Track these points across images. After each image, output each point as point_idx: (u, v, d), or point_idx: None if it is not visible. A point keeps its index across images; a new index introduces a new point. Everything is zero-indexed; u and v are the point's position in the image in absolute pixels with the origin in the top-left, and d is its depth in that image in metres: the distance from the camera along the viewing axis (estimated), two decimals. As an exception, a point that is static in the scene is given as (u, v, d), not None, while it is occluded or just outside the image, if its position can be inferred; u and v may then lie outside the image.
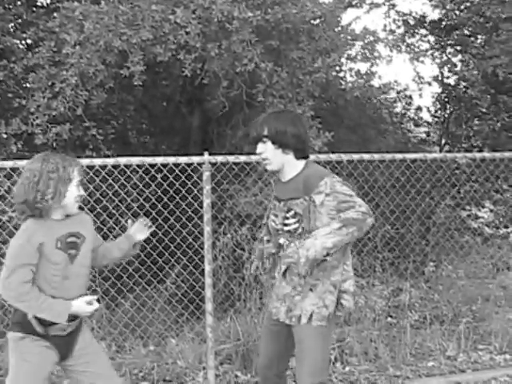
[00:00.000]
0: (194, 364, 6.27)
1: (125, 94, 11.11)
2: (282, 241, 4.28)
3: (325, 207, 4.08)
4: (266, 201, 7.34)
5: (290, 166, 4.31)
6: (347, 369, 6.54)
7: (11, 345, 4.00)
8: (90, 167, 6.60)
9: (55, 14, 8.67)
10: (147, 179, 7.28)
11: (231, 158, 6.28)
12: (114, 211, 7.42)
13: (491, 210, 12.52)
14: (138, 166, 6.66)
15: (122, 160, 6.17)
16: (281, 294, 4.36)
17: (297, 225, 4.21)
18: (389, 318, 7.56)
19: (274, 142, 4.25)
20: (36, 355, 3.95)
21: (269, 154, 4.29)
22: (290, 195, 4.26)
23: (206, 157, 5.98)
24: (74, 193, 4.02)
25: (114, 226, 7.44)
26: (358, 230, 4.05)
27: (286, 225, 4.28)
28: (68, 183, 3.98)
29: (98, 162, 6.24)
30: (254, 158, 6.57)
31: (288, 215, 4.26)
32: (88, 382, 4.16)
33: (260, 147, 4.31)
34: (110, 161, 6.26)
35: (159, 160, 6.23)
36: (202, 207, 5.95)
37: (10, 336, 3.98)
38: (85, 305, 3.99)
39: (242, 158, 6.44)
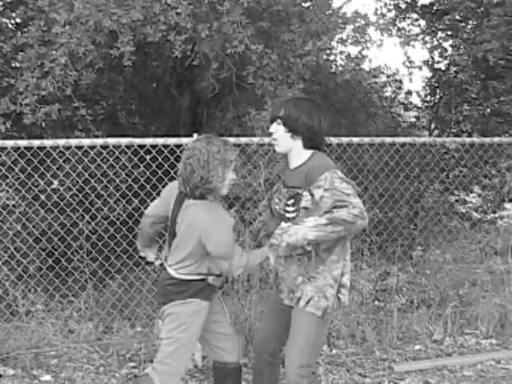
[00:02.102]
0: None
1: (114, 74, 11.08)
2: (284, 225, 4.25)
3: (323, 202, 4.11)
4: (255, 183, 7.33)
5: (296, 152, 4.35)
6: (334, 351, 6.58)
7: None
8: (79, 147, 6.59)
9: (45, -7, 8.60)
10: (136, 160, 7.27)
11: (220, 140, 6.26)
12: (102, 192, 7.41)
13: (479, 195, 12.55)
14: (127, 146, 6.67)
15: (111, 141, 6.17)
16: (285, 274, 4.43)
17: (294, 214, 4.25)
18: (376, 302, 7.59)
19: (285, 125, 4.28)
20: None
21: (279, 135, 4.33)
22: (294, 183, 4.31)
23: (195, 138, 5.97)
24: (230, 176, 4.27)
25: (102, 207, 7.44)
26: (345, 231, 4.06)
27: (286, 211, 4.33)
28: (228, 166, 4.22)
29: (86, 142, 6.23)
30: (243, 140, 6.58)
31: (289, 203, 4.30)
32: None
33: (273, 127, 4.36)
34: (99, 141, 6.26)
35: (148, 141, 6.23)
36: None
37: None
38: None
39: (232, 140, 6.42)
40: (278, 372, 4.85)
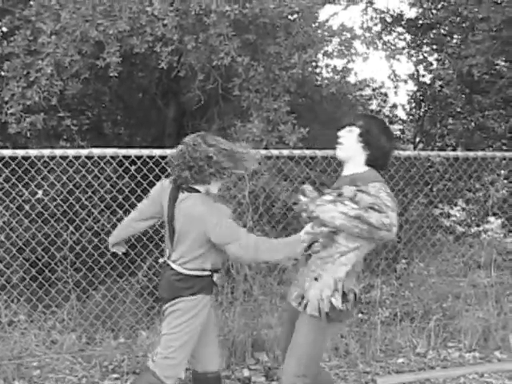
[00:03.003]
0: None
1: (100, 84, 11.05)
2: (326, 198, 4.34)
3: (362, 202, 4.15)
4: (240, 195, 7.33)
5: (355, 163, 4.42)
6: (317, 364, 6.56)
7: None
8: (64, 157, 6.59)
9: (31, 3, 8.57)
10: (121, 171, 7.26)
11: (205, 152, 6.26)
12: (86, 202, 7.39)
13: (463, 209, 12.58)
14: (111, 157, 6.66)
15: (96, 151, 6.17)
16: (298, 278, 4.51)
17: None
18: (360, 314, 7.61)
19: (361, 136, 4.35)
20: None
21: (348, 141, 4.39)
22: (338, 185, 4.41)
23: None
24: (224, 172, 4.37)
25: (87, 217, 7.42)
26: (368, 233, 4.12)
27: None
28: (222, 161, 4.29)
29: (71, 152, 6.23)
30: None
31: (328, 198, 4.31)
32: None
33: (343, 132, 4.42)
34: (84, 152, 6.25)
35: (133, 152, 6.23)
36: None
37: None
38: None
39: (217, 152, 6.43)
40: (328, 376, 4.86)
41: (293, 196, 4.70)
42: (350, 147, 4.38)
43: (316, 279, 4.33)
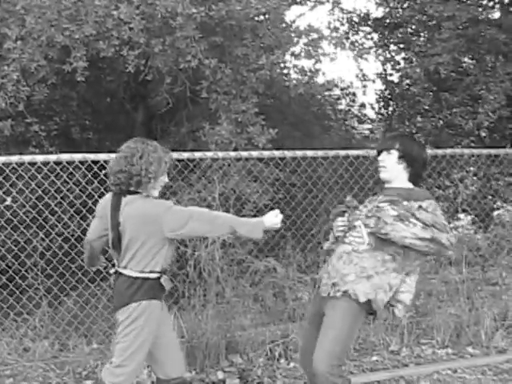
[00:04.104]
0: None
1: (67, 89, 11.00)
2: (357, 223, 4.50)
3: (420, 220, 4.31)
4: (210, 197, 7.32)
5: (399, 180, 4.64)
6: (292, 365, 6.58)
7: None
8: (32, 164, 6.53)
9: (-4, 8, 8.54)
10: (90, 176, 7.22)
11: (174, 155, 6.25)
12: (56, 208, 7.35)
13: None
14: (80, 162, 6.62)
15: (65, 156, 6.14)
16: (334, 271, 4.51)
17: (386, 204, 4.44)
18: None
19: (401, 157, 4.59)
20: None
21: (389, 164, 4.63)
22: (391, 194, 4.56)
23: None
24: (163, 178, 4.39)
25: (57, 223, 7.37)
26: (436, 251, 4.38)
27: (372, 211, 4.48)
28: (162, 166, 4.34)
29: (40, 158, 6.19)
30: (197, 154, 6.58)
31: (382, 204, 4.46)
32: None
33: (382, 156, 4.66)
34: (53, 157, 6.22)
35: (102, 157, 6.20)
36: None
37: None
38: (273, 217, 4.39)
39: (186, 155, 6.44)
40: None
41: (334, 211, 4.75)
42: (392, 169, 4.61)
43: (365, 277, 4.37)
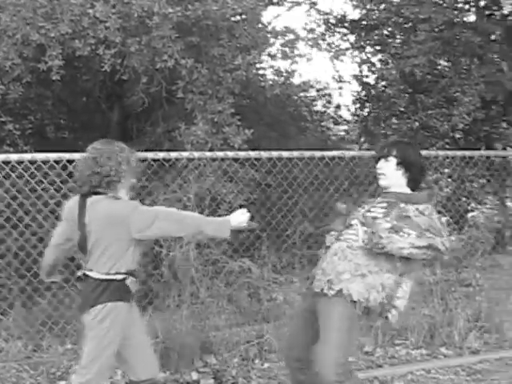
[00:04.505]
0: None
1: (42, 88, 10.93)
2: (353, 221, 4.55)
3: (418, 220, 4.38)
4: (185, 198, 7.31)
5: (397, 185, 4.67)
6: (266, 365, 6.57)
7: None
8: (6, 163, 6.49)
9: (-30, 6, 8.48)
10: (65, 175, 7.18)
11: (150, 155, 6.27)
12: (30, 208, 7.30)
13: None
14: (55, 161, 6.58)
15: (40, 156, 6.11)
16: (329, 268, 4.49)
17: (381, 215, 4.46)
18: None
19: (399, 163, 4.63)
20: None
21: (388, 171, 4.66)
22: (389, 195, 4.61)
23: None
24: (131, 178, 4.40)
25: (31, 223, 7.33)
26: (433, 257, 4.50)
27: (369, 211, 4.56)
28: (130, 167, 4.34)
29: (14, 157, 6.16)
30: (173, 154, 6.57)
31: (380, 206, 4.55)
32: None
33: (380, 164, 4.69)
34: (27, 156, 6.19)
35: (77, 156, 6.14)
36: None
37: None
38: (240, 216, 4.38)
39: (161, 155, 6.43)
40: (316, 377, 4.81)
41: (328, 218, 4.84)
42: (391, 176, 4.65)
43: (359, 277, 4.38)
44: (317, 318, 4.54)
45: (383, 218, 4.41)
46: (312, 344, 4.71)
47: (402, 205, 4.45)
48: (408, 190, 4.66)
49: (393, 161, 4.63)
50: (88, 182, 4.26)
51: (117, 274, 4.27)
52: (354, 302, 4.34)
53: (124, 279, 4.30)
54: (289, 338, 4.92)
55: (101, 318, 4.25)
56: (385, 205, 4.52)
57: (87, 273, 4.34)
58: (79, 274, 4.48)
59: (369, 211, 4.56)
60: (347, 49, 15.23)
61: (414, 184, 4.68)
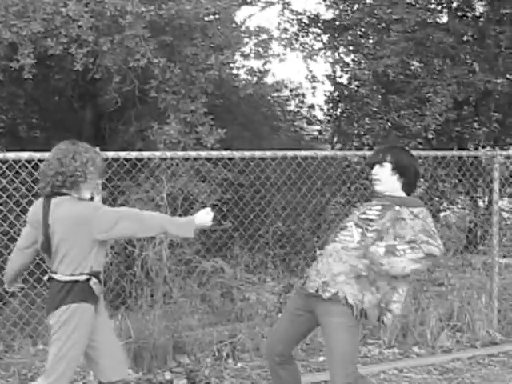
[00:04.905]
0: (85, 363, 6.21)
1: (14, 87, 10.86)
2: (348, 224, 4.64)
3: (412, 224, 4.47)
4: (158, 197, 7.29)
5: (393, 190, 4.73)
6: (239, 365, 6.58)
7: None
8: (-23, 162, 6.44)
9: None
10: (37, 175, 7.14)
11: (122, 154, 6.24)
12: (1, 207, 7.26)
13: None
14: (27, 161, 6.54)
15: (11, 155, 6.07)
16: (324, 269, 4.50)
17: (376, 217, 4.54)
18: (280, 314, 7.62)
19: (394, 168, 4.70)
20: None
21: (383, 176, 4.72)
22: (385, 199, 4.66)
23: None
24: (95, 178, 4.37)
25: (2, 222, 7.28)
26: (433, 264, 4.69)
27: (368, 214, 4.64)
28: (94, 168, 4.30)
29: (-16, 156, 6.10)
30: (145, 154, 6.54)
31: (375, 208, 4.62)
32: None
33: (375, 170, 4.75)
34: (-2, 155, 6.14)
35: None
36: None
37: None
38: (204, 215, 4.43)
39: (134, 154, 6.41)
40: (296, 374, 4.91)
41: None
42: (387, 181, 4.71)
43: (354, 278, 4.39)
44: (308, 317, 4.62)
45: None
46: (297, 342, 4.91)
47: (397, 207, 4.52)
48: (403, 194, 4.72)
49: (388, 166, 4.70)
50: (51, 183, 4.23)
51: (81, 274, 4.25)
52: (351, 305, 4.36)
53: (88, 280, 4.28)
54: (275, 332, 4.92)
55: (65, 319, 4.23)
56: (379, 207, 4.58)
57: (52, 275, 4.32)
58: (45, 278, 4.45)
59: (364, 213, 4.63)
60: (320, 49, 15.26)
61: (409, 188, 4.76)
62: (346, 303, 4.34)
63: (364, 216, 4.59)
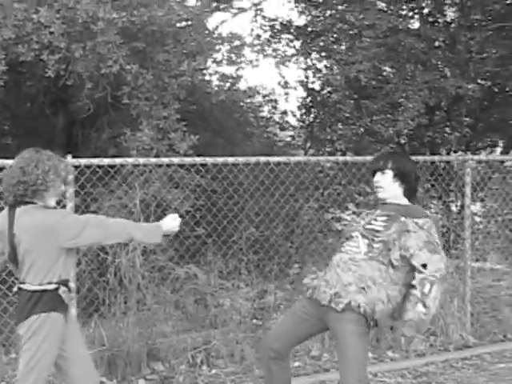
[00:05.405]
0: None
1: (-15, 94, 10.81)
2: (354, 233, 4.66)
3: (416, 237, 4.47)
4: (131, 204, 7.27)
5: (395, 196, 4.76)
6: (213, 371, 6.58)
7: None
8: None
9: None
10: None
11: (95, 161, 6.22)
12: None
13: (354, 212, 12.76)
14: (-2, 168, 6.49)
15: (-19, 162, 6.02)
16: (333, 280, 4.51)
17: (382, 228, 4.55)
18: (254, 320, 7.63)
19: (395, 175, 4.74)
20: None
21: (385, 184, 4.76)
22: (389, 210, 4.67)
23: (69, 159, 5.91)
24: (59, 186, 4.31)
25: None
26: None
27: (370, 224, 4.66)
28: (58, 175, 4.26)
29: (-45, 164, 6.05)
30: (117, 160, 6.53)
31: (381, 219, 4.61)
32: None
33: (377, 177, 4.79)
34: (-31, 163, 6.09)
35: (20, 163, 6.09)
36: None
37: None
38: (172, 220, 4.43)
39: (106, 161, 6.39)
40: (287, 372, 4.91)
41: None
42: (389, 188, 4.75)
43: (364, 288, 4.41)
44: (314, 323, 4.67)
45: (385, 232, 4.51)
46: (296, 344, 4.96)
47: (403, 219, 4.52)
48: (405, 201, 4.75)
49: (389, 173, 4.74)
50: (13, 192, 4.20)
51: (49, 283, 4.22)
52: (363, 314, 4.39)
53: (57, 289, 4.25)
54: (276, 330, 4.95)
55: (35, 329, 4.19)
56: (385, 218, 4.59)
57: (20, 286, 4.29)
58: (15, 289, 4.42)
59: (369, 223, 4.64)
60: (293, 55, 15.27)
61: (410, 193, 4.80)
62: (358, 312, 4.37)
63: (370, 226, 4.61)
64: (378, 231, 4.53)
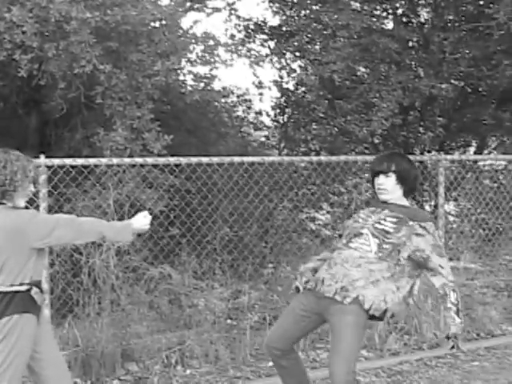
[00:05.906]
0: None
1: (-43, 94, 10.74)
2: (363, 230, 4.71)
3: (424, 241, 4.63)
4: (105, 204, 7.25)
5: (398, 200, 4.87)
6: (188, 372, 6.57)
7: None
8: None
9: None
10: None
11: (68, 161, 6.20)
12: None
13: (328, 212, 12.80)
14: (-29, 168, 6.45)
15: (-47, 163, 5.96)
16: (340, 274, 4.56)
17: (392, 230, 4.65)
18: (229, 320, 7.63)
19: (398, 178, 4.82)
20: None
21: (389, 186, 4.84)
22: (396, 211, 4.76)
23: (42, 160, 5.89)
24: (28, 186, 4.27)
25: None
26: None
27: (379, 223, 4.72)
28: (27, 175, 4.23)
29: None
30: (91, 160, 6.51)
31: (391, 220, 4.71)
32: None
33: (381, 179, 4.85)
34: None
35: (-8, 163, 6.06)
36: (38, 211, 5.81)
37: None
38: (142, 218, 4.47)
39: (80, 161, 6.37)
40: (299, 363, 5.02)
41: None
42: (393, 190, 4.84)
43: (372, 283, 4.50)
44: (313, 319, 4.76)
45: (395, 234, 4.60)
46: (298, 340, 5.09)
47: (411, 223, 4.63)
48: (405, 201, 4.87)
49: (393, 176, 4.81)
50: None
51: (21, 285, 4.19)
52: (368, 309, 4.47)
53: (29, 290, 4.22)
54: (276, 330, 4.94)
55: (7, 330, 4.15)
56: (395, 220, 4.67)
57: None
58: None
59: (379, 223, 4.71)
60: (267, 55, 15.26)
61: (410, 193, 4.93)
62: (363, 306, 4.45)
63: (380, 226, 4.67)
64: (388, 232, 4.62)
